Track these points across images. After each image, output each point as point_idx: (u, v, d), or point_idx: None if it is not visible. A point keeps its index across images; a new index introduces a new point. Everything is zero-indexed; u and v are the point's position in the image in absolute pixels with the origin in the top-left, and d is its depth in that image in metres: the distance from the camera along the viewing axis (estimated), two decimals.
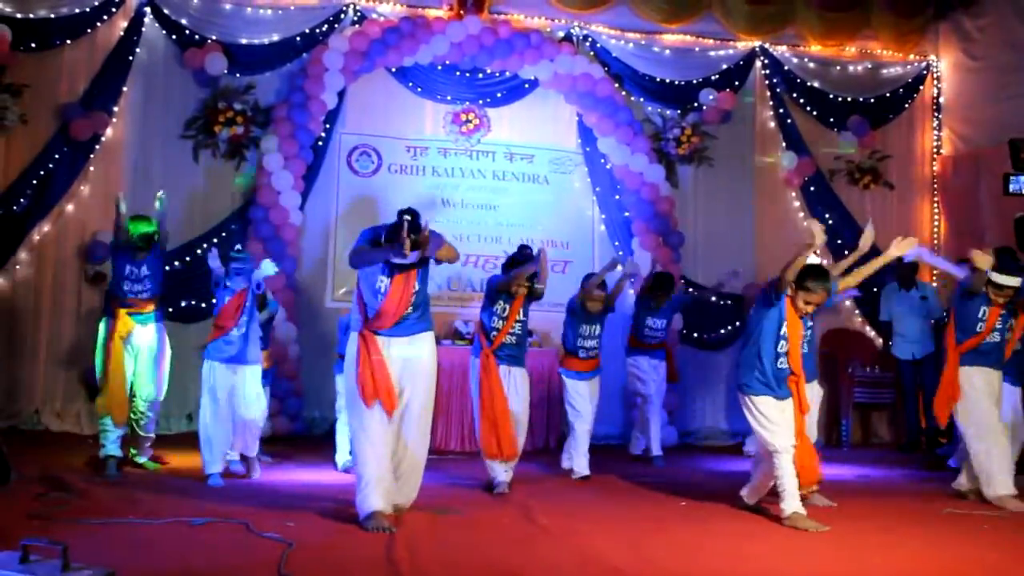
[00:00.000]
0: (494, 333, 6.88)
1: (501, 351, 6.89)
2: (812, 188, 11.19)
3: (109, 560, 3.66)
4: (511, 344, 6.94)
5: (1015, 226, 8.24)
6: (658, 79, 10.89)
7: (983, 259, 6.56)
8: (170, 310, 7.31)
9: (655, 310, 8.89)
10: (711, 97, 10.76)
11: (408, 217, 5.38)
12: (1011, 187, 9.30)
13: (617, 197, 10.67)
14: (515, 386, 6.93)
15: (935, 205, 11.71)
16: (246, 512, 5.34)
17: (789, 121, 11.21)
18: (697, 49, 11.17)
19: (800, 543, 5.20)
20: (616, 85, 10.52)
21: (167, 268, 7.54)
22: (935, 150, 11.81)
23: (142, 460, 7.26)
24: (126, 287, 7.07)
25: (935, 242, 11.57)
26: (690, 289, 10.45)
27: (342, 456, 7.43)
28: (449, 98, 10.57)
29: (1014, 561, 4.91)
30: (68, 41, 9.37)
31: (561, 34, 10.65)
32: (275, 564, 4.09)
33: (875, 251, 6.61)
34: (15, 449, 6.13)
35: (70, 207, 9.34)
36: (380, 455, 5.37)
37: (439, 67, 10.38)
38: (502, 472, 6.77)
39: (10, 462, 5.93)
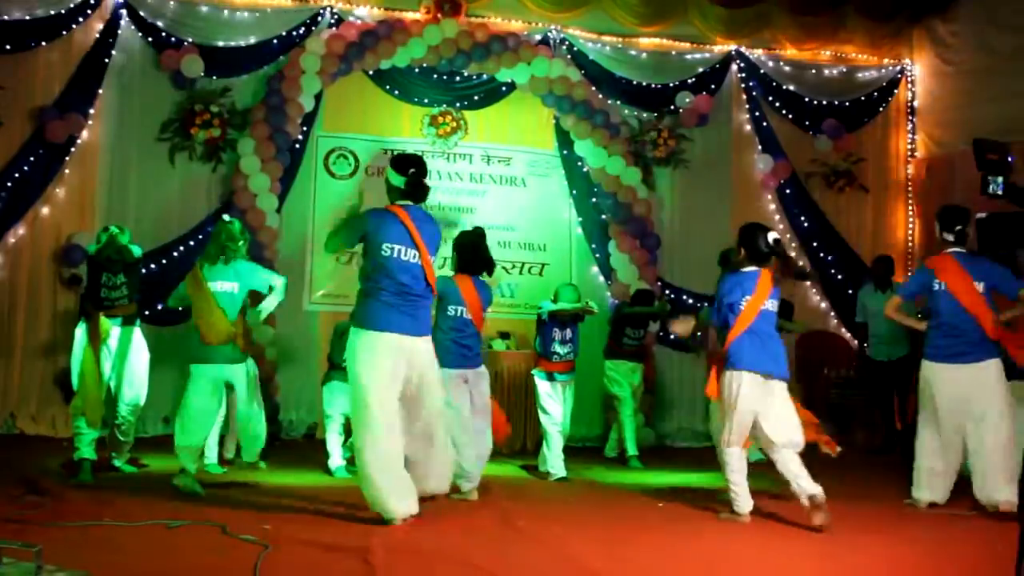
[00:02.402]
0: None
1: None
2: (788, 191, 11.26)
3: (84, 563, 3.65)
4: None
5: (977, 226, 8.29)
6: (635, 82, 10.95)
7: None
8: (146, 313, 7.28)
9: (635, 323, 8.96)
10: (687, 100, 10.82)
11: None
12: (989, 188, 9.33)
13: (594, 200, 10.72)
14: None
15: (909, 207, 11.81)
16: (222, 515, 5.33)
17: (765, 124, 11.29)
18: (673, 53, 11.23)
19: (780, 544, 5.23)
20: (593, 88, 10.56)
21: (143, 271, 7.52)
22: (909, 153, 11.92)
23: (119, 464, 7.23)
24: (103, 294, 7.03)
25: (910, 244, 11.67)
26: (667, 292, 10.51)
27: (335, 460, 7.47)
28: (426, 101, 10.58)
29: (989, 558, 4.94)
30: (43, 43, 9.32)
31: (538, 37, 10.67)
32: (251, 566, 4.08)
33: None
34: None
35: (45, 210, 9.29)
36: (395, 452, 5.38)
37: (416, 70, 10.39)
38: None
39: None
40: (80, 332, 7.01)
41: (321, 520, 5.40)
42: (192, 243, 9.51)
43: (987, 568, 4.76)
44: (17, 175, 9.07)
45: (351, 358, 5.48)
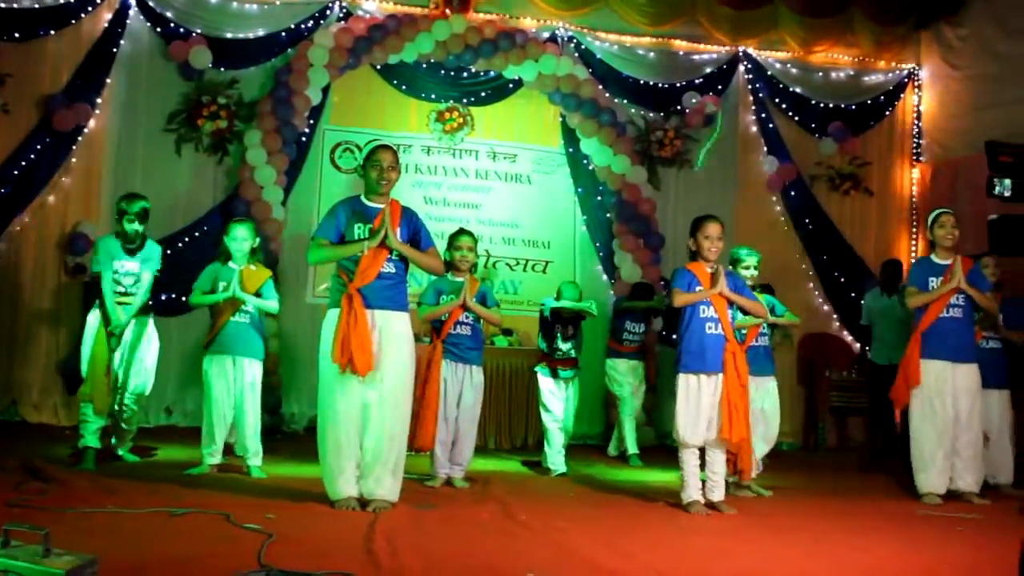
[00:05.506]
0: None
1: (449, 341, 6.89)
2: (793, 193, 11.26)
3: (89, 547, 3.64)
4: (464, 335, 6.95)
5: (988, 227, 8.29)
6: (642, 81, 10.96)
7: None
8: (150, 303, 7.28)
9: (634, 317, 8.97)
10: (694, 100, 10.82)
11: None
12: (996, 189, 9.31)
13: (599, 198, 10.73)
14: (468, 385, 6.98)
15: (913, 212, 11.81)
16: (226, 504, 5.34)
17: (771, 126, 11.31)
18: (681, 53, 11.25)
19: (779, 542, 5.23)
20: (600, 87, 10.57)
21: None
22: (915, 157, 11.92)
23: (122, 452, 7.23)
24: (116, 279, 7.01)
25: (913, 248, 11.68)
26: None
27: None
28: (433, 96, 10.60)
29: (990, 560, 4.94)
30: (52, 32, 9.34)
31: (546, 35, 10.69)
32: (255, 554, 4.09)
33: None
34: None
35: (51, 198, 9.31)
36: (350, 439, 5.50)
37: (424, 65, 10.40)
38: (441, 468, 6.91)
39: None
40: (93, 318, 6.97)
41: (324, 510, 5.42)
42: (197, 234, 9.53)
43: (990, 570, 4.76)
44: (24, 163, 9.09)
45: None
